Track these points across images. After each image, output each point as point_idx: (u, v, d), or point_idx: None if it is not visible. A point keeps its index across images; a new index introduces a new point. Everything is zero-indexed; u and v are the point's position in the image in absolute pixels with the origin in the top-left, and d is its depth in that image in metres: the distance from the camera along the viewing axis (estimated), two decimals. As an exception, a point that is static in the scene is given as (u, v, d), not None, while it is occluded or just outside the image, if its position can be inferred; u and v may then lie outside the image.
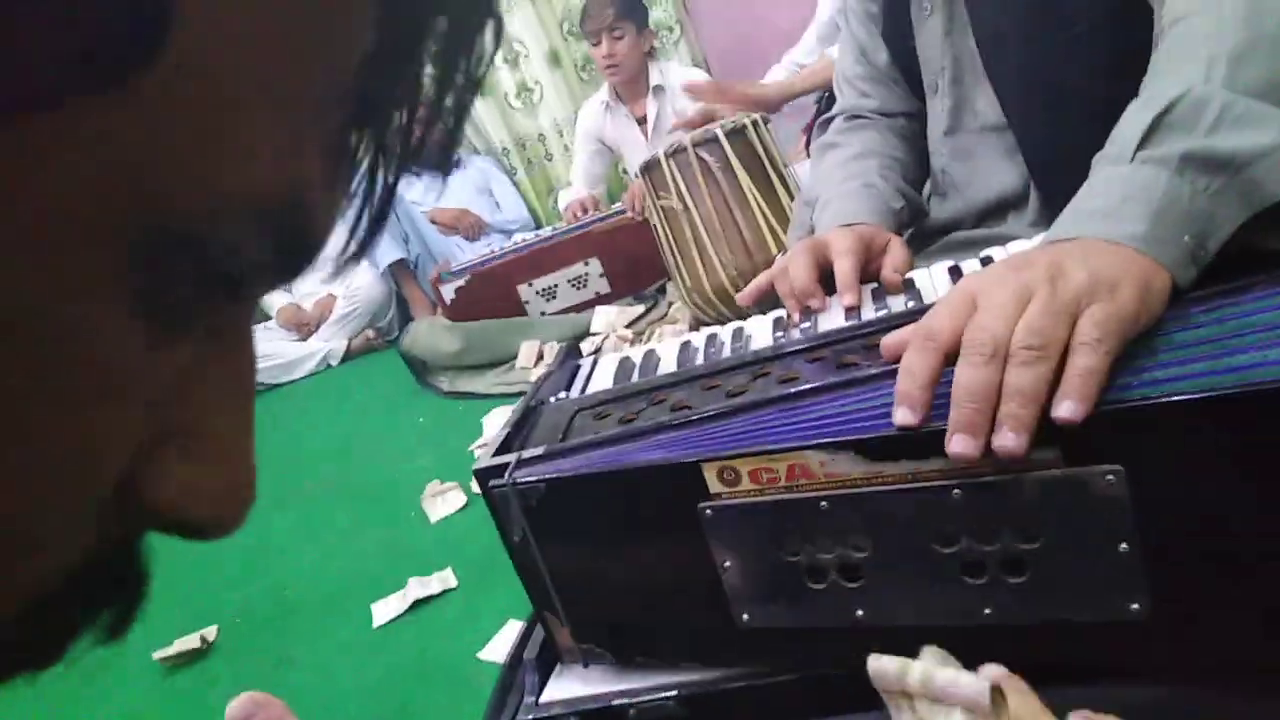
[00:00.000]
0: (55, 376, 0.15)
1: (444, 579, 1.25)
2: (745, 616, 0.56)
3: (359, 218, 0.21)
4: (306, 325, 3.17)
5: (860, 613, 0.53)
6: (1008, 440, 0.44)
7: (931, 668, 0.45)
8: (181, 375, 0.17)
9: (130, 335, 0.16)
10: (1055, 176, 0.82)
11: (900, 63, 0.99)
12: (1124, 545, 0.45)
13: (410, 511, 1.52)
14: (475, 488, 1.48)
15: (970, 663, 0.45)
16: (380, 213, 0.21)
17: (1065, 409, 0.43)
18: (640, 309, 2.17)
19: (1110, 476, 0.45)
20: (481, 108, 3.47)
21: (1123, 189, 0.54)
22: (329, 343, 3.10)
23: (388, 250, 2.93)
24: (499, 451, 0.65)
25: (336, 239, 0.20)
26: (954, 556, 0.49)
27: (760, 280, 0.82)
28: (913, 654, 0.47)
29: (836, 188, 0.95)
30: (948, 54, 0.90)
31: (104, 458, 0.16)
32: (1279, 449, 0.43)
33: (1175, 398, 0.43)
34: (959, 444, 0.45)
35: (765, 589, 0.55)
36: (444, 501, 1.51)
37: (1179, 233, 0.51)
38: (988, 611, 0.49)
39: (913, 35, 0.94)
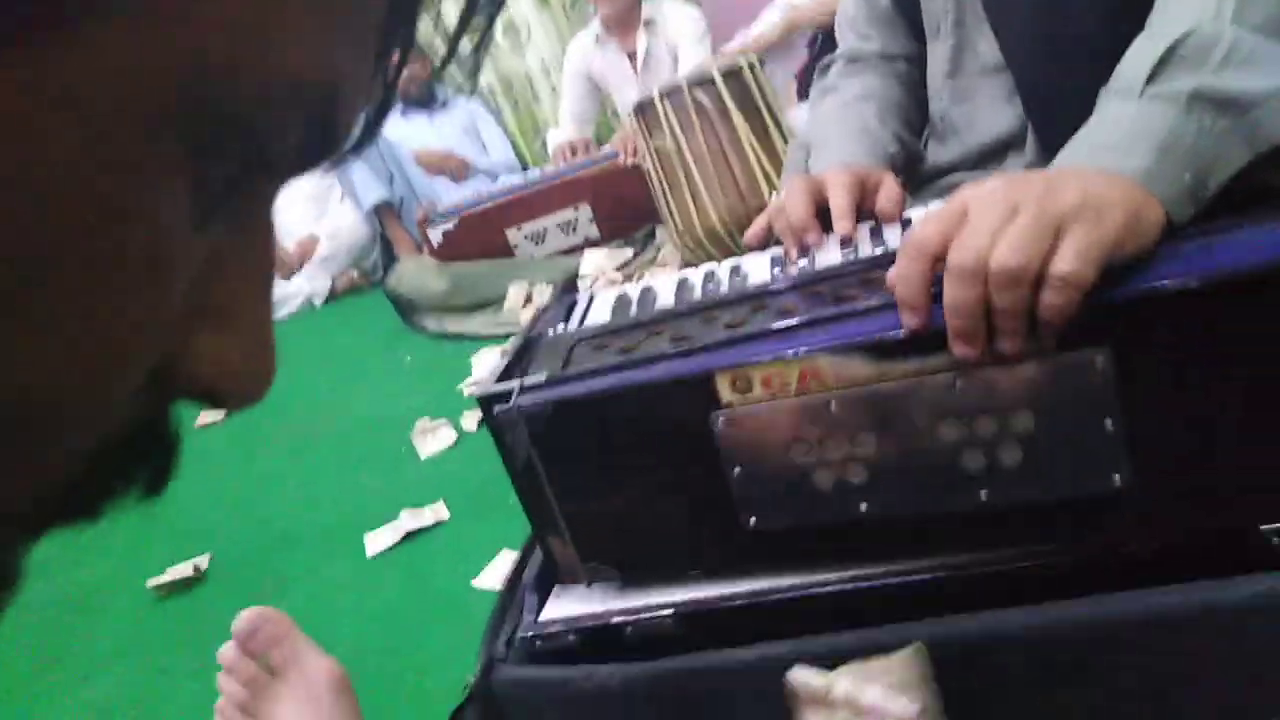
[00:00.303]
0: (117, 256, 0.16)
1: (436, 511, 1.27)
2: (753, 521, 0.58)
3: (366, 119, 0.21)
4: (288, 265, 3.14)
5: (864, 506, 0.56)
6: (1003, 345, 0.49)
7: (858, 684, 0.49)
8: (214, 254, 0.18)
9: (181, 215, 0.16)
10: (1053, 118, 0.82)
11: (902, 4, 0.99)
12: (1108, 421, 0.49)
13: (400, 448, 1.53)
14: (465, 424, 1.50)
15: (971, 548, 0.52)
16: (379, 117, 0.22)
17: (1045, 313, 0.47)
18: (630, 252, 2.17)
19: (1098, 358, 0.49)
20: (468, 47, 3.41)
21: (1130, 124, 0.55)
22: (312, 282, 3.07)
23: (371, 190, 2.89)
24: (500, 379, 0.66)
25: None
26: (954, 445, 0.53)
27: (761, 221, 0.83)
28: (910, 545, 0.53)
29: (834, 129, 0.95)
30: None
31: (152, 332, 0.17)
32: (1250, 333, 0.47)
33: (1157, 285, 0.48)
34: (959, 349, 0.49)
35: (773, 492, 0.58)
36: (434, 438, 1.52)
37: (1181, 170, 0.53)
38: (984, 495, 0.53)
39: None
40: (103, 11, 0.14)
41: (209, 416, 2.03)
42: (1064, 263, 0.47)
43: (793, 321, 0.59)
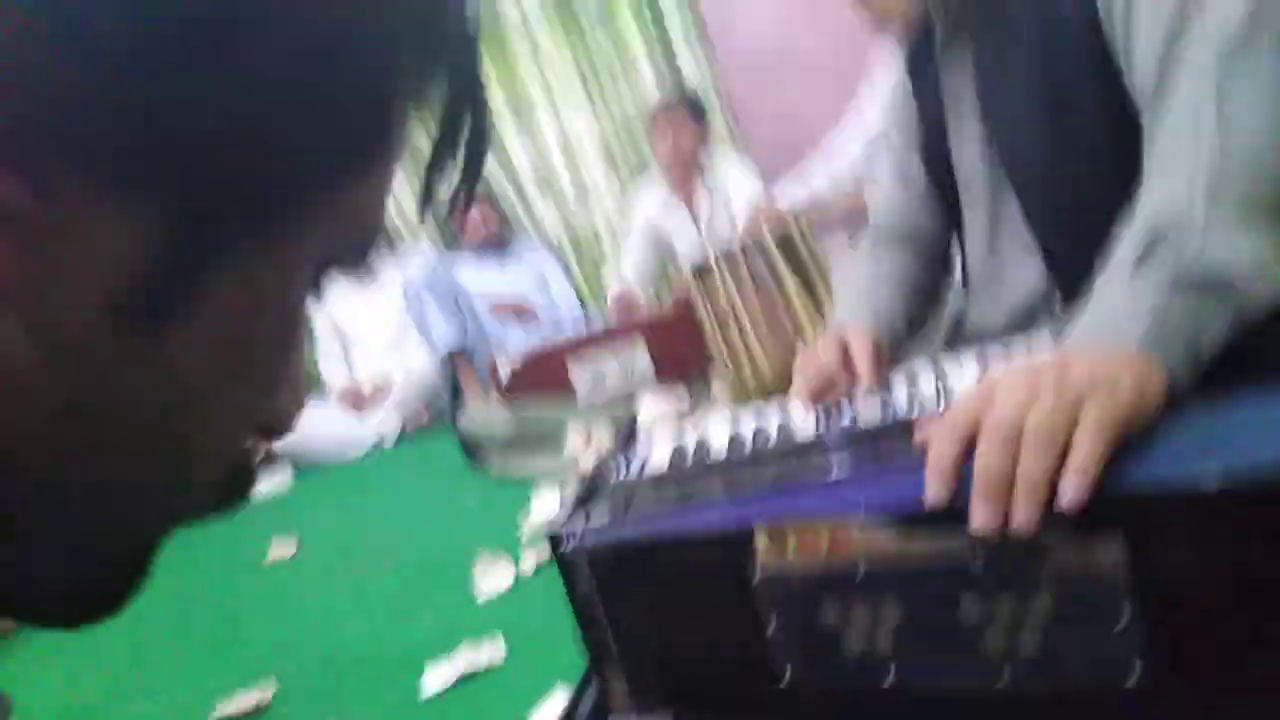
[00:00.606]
0: (294, 338, 0.27)
1: (493, 648, 1.30)
2: (789, 673, 0.62)
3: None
4: (365, 405, 3.29)
5: (891, 676, 0.59)
6: (1021, 518, 0.52)
7: None
8: None
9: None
10: (1077, 281, 0.90)
11: (935, 177, 1.09)
12: (1123, 619, 0.51)
13: (460, 585, 1.58)
14: (523, 565, 1.55)
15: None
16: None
17: (1066, 500, 0.51)
18: (685, 398, 2.25)
19: (1113, 555, 0.51)
20: (540, 204, 3.67)
21: (1124, 305, 0.62)
22: (384, 424, 3.21)
23: (445, 336, 3.06)
24: (568, 519, 0.73)
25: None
26: (975, 627, 0.55)
27: (805, 378, 0.90)
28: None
29: (852, 297, 1.06)
30: (982, 174, 1.00)
31: (282, 388, 0.28)
32: (1264, 539, 0.49)
33: (1169, 488, 0.50)
34: (980, 517, 0.53)
35: (805, 651, 0.62)
36: (493, 576, 1.57)
37: (1175, 344, 0.59)
38: (1004, 679, 0.55)
39: (949, 152, 1.05)
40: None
41: (279, 552, 2.12)
42: (1086, 428, 0.52)
43: (829, 480, 0.65)
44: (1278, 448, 0.49)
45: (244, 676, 1.43)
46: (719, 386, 2.13)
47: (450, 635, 1.38)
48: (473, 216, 3.44)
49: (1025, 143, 0.91)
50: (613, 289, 3.09)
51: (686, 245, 2.92)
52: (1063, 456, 0.52)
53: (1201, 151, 0.66)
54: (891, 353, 1.00)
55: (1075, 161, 0.86)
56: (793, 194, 2.53)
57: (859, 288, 1.09)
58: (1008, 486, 0.53)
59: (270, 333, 0.27)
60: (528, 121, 3.65)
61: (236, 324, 0.26)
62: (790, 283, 1.75)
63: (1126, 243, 0.66)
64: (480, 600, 1.51)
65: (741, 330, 1.77)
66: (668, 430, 0.90)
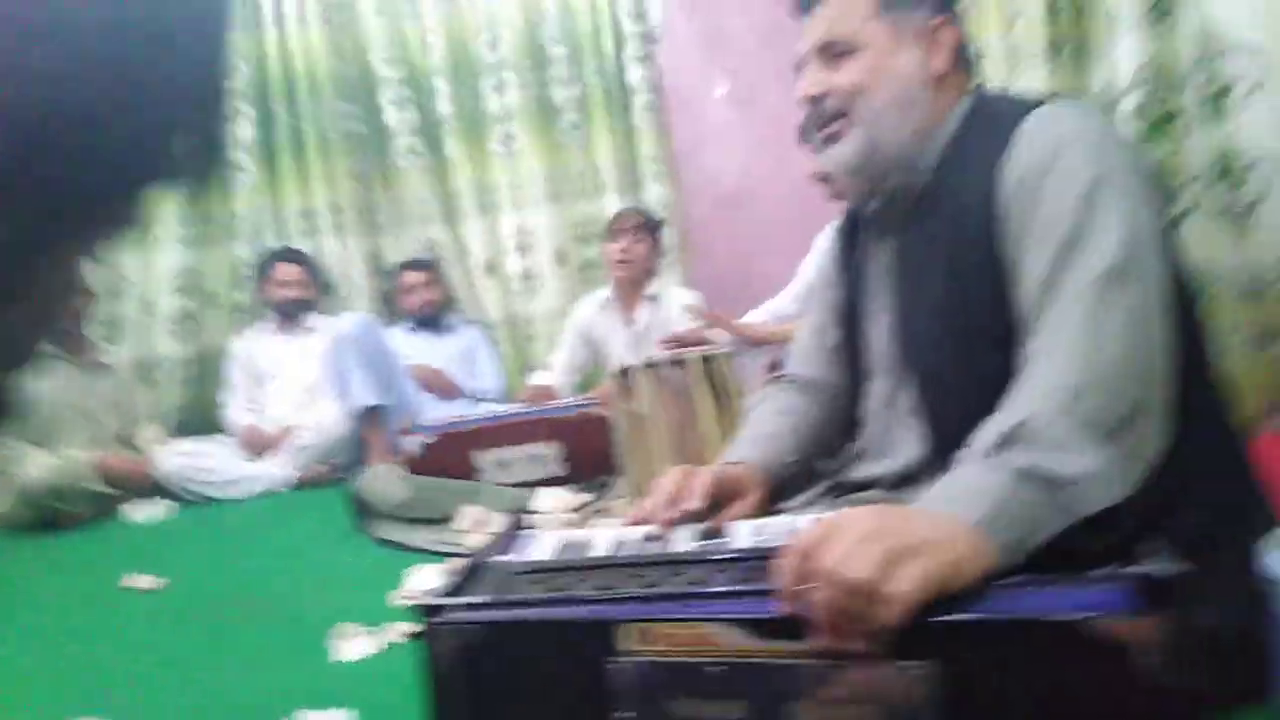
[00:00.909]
0: None
1: (336, 719, 1.27)
2: (636, 765, 0.65)
3: None
4: (262, 448, 3.21)
5: None
6: (849, 643, 0.61)
7: None
8: None
9: None
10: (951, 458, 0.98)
11: (848, 346, 1.19)
12: None
13: (319, 648, 1.55)
14: (387, 635, 1.53)
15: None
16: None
17: (884, 634, 0.60)
18: (586, 496, 2.28)
19: (921, 671, 0.60)
20: (486, 285, 3.74)
21: (974, 484, 0.70)
22: (281, 468, 3.13)
23: (363, 393, 3.03)
24: (445, 594, 0.76)
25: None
26: None
27: (648, 503, 0.97)
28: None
29: (748, 430, 1.14)
30: (892, 345, 1.09)
31: None
32: (1046, 671, 0.59)
33: (963, 619, 0.61)
34: (815, 639, 0.62)
35: None
36: (352, 644, 1.54)
37: (1008, 527, 0.67)
38: None
39: (864, 325, 1.14)
40: None
41: (144, 583, 2.03)
42: (902, 584, 0.60)
43: (694, 590, 0.70)
44: (1063, 606, 0.60)
45: (79, 706, 1.37)
46: (621, 489, 2.16)
47: (297, 698, 1.34)
48: (415, 286, 3.49)
49: (928, 333, 1.01)
50: (534, 380, 3.15)
51: (619, 351, 3.00)
52: (883, 598, 0.61)
53: (1066, 369, 0.76)
54: (775, 488, 1.08)
55: (969, 356, 0.95)
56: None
57: (755, 426, 1.17)
58: (842, 613, 0.61)
59: None
60: (489, 207, 3.75)
61: None
62: (704, 402, 1.83)
63: (988, 432, 0.75)
64: (337, 666, 1.48)
65: (649, 436, 1.83)
66: (560, 525, 0.94)
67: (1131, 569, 0.64)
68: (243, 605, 1.85)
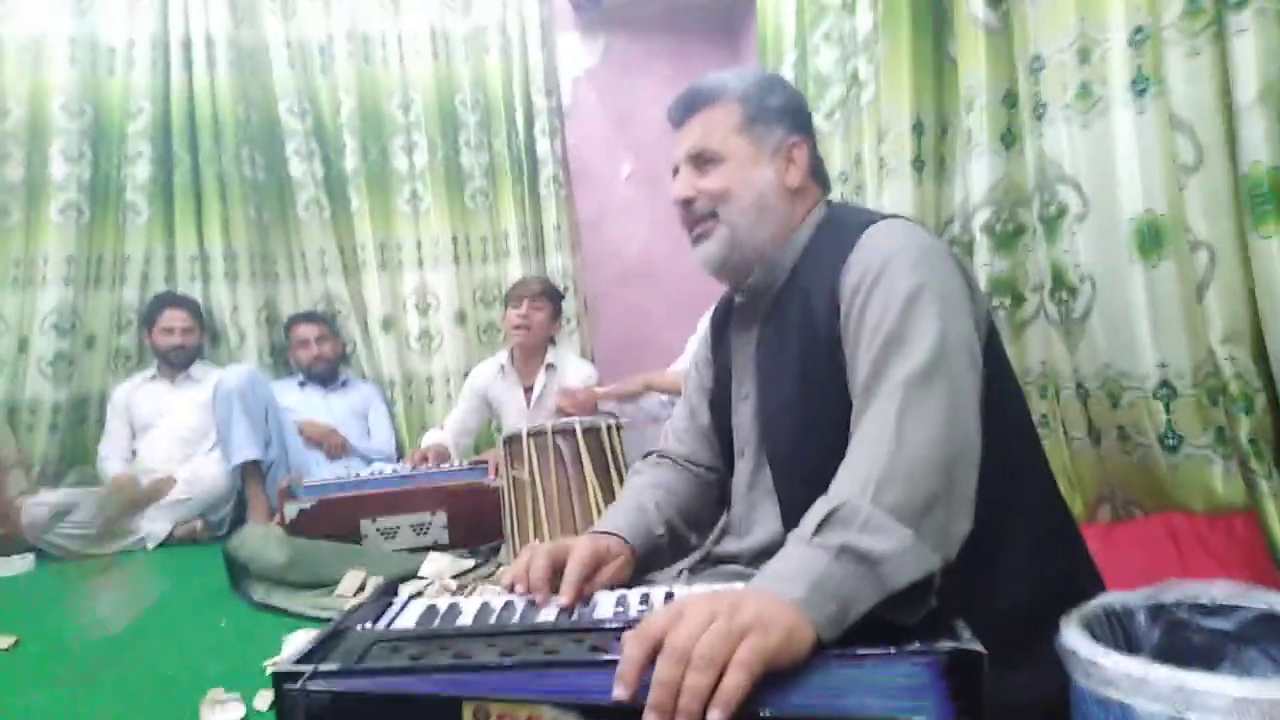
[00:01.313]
0: None
1: (197, 789, 1.25)
2: None
3: None
4: (137, 502, 3.09)
5: None
6: None
7: None
8: None
9: None
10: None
11: (719, 429, 1.27)
12: None
13: (184, 715, 1.50)
14: (257, 702, 1.50)
15: None
16: None
17: (714, 715, 0.64)
18: (470, 563, 2.28)
19: None
20: (383, 341, 3.71)
21: (799, 563, 0.78)
22: (153, 523, 3.01)
23: (245, 447, 2.96)
24: (300, 661, 0.78)
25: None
26: None
27: (511, 573, 1.01)
28: None
29: (619, 502, 1.20)
30: (754, 430, 1.18)
31: None
32: None
33: (781, 714, 0.65)
34: (650, 718, 0.65)
35: None
36: (221, 711, 1.50)
37: (828, 602, 0.74)
38: None
39: (733, 409, 1.23)
40: None
41: (-6, 641, 1.93)
42: (741, 654, 0.66)
43: (537, 659, 0.74)
44: (869, 696, 0.66)
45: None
46: (506, 555, 2.18)
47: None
48: (308, 340, 3.45)
49: (780, 419, 1.10)
50: (426, 439, 3.15)
51: (514, 417, 3.04)
52: (720, 675, 0.65)
53: (877, 458, 0.85)
54: (644, 558, 1.13)
55: (816, 440, 1.04)
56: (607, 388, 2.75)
57: (626, 499, 1.23)
58: (675, 694, 0.65)
59: None
60: (391, 266, 3.76)
61: None
62: (589, 471, 1.88)
63: (810, 517, 0.83)
64: (200, 733, 1.44)
65: (534, 503, 1.86)
66: (442, 591, 0.96)
67: (939, 645, 0.70)
68: (105, 667, 1.78)
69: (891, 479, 0.83)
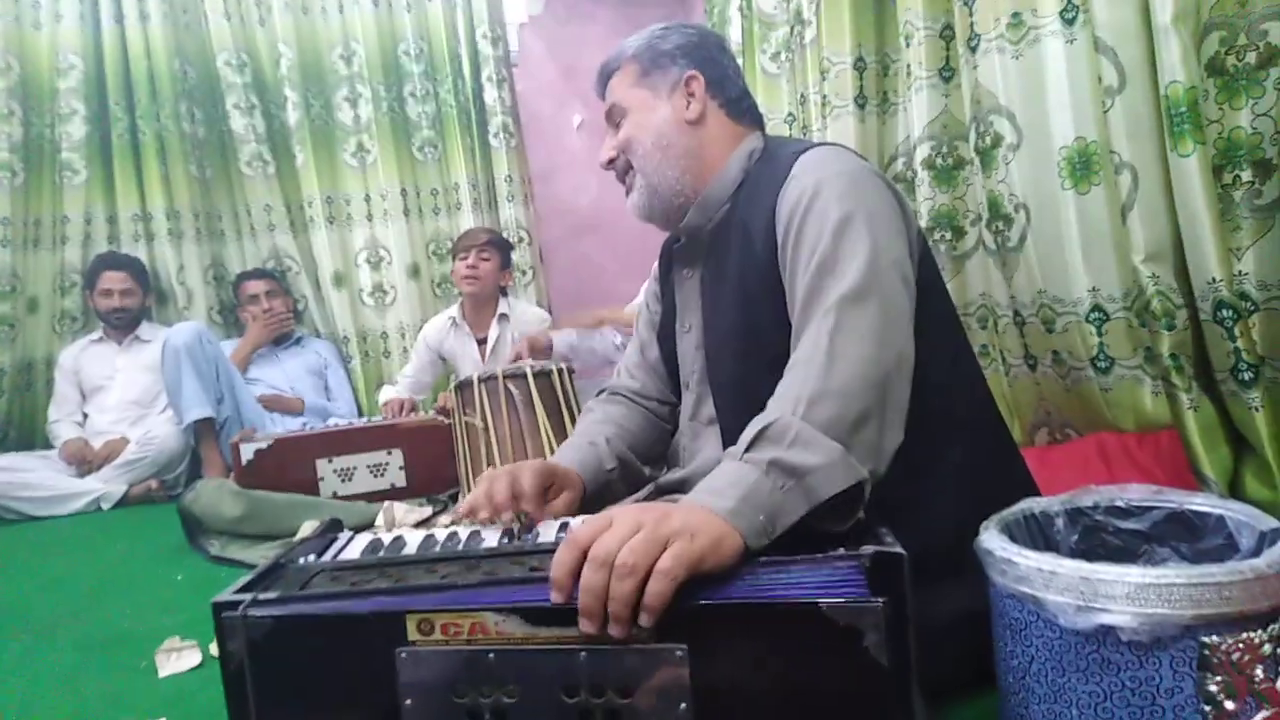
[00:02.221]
0: None
1: (154, 731, 1.26)
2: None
3: None
4: (89, 464, 3.05)
5: None
6: (612, 630, 0.68)
7: None
8: None
9: None
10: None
11: (668, 362, 1.29)
12: (683, 705, 0.67)
13: (141, 663, 1.51)
14: (213, 650, 1.51)
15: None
16: None
17: (642, 619, 0.67)
18: (429, 511, 2.29)
19: (679, 652, 0.68)
20: (335, 298, 3.67)
21: (730, 477, 0.80)
22: (107, 484, 2.98)
23: (196, 406, 2.93)
24: (240, 592, 0.79)
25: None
26: (575, 705, 0.69)
27: (469, 500, 1.04)
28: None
29: (573, 439, 1.22)
30: (696, 362, 1.21)
31: None
32: (786, 646, 0.67)
33: (714, 602, 0.68)
34: (583, 624, 0.68)
35: None
36: (177, 658, 1.51)
37: (756, 513, 0.76)
38: None
39: (677, 343, 1.25)
40: None
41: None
42: (663, 562, 0.68)
43: (481, 580, 0.76)
44: (795, 589, 0.69)
45: None
46: (461, 499, 2.20)
47: (118, 710, 1.32)
48: (257, 297, 3.40)
49: (722, 349, 1.13)
50: (384, 395, 3.14)
51: (470, 369, 3.03)
52: (645, 582, 0.68)
53: (810, 376, 0.87)
54: (596, 492, 1.16)
55: (757, 368, 1.05)
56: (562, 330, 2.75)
57: (578, 435, 1.26)
58: (603, 599, 0.68)
59: None
60: (340, 220, 3.70)
61: None
62: (541, 414, 1.89)
63: (745, 433, 0.85)
64: (161, 680, 1.45)
65: (488, 447, 1.88)
66: (381, 531, 0.98)
67: (861, 549, 0.74)
68: (62, 623, 1.77)
69: (822, 396, 0.85)
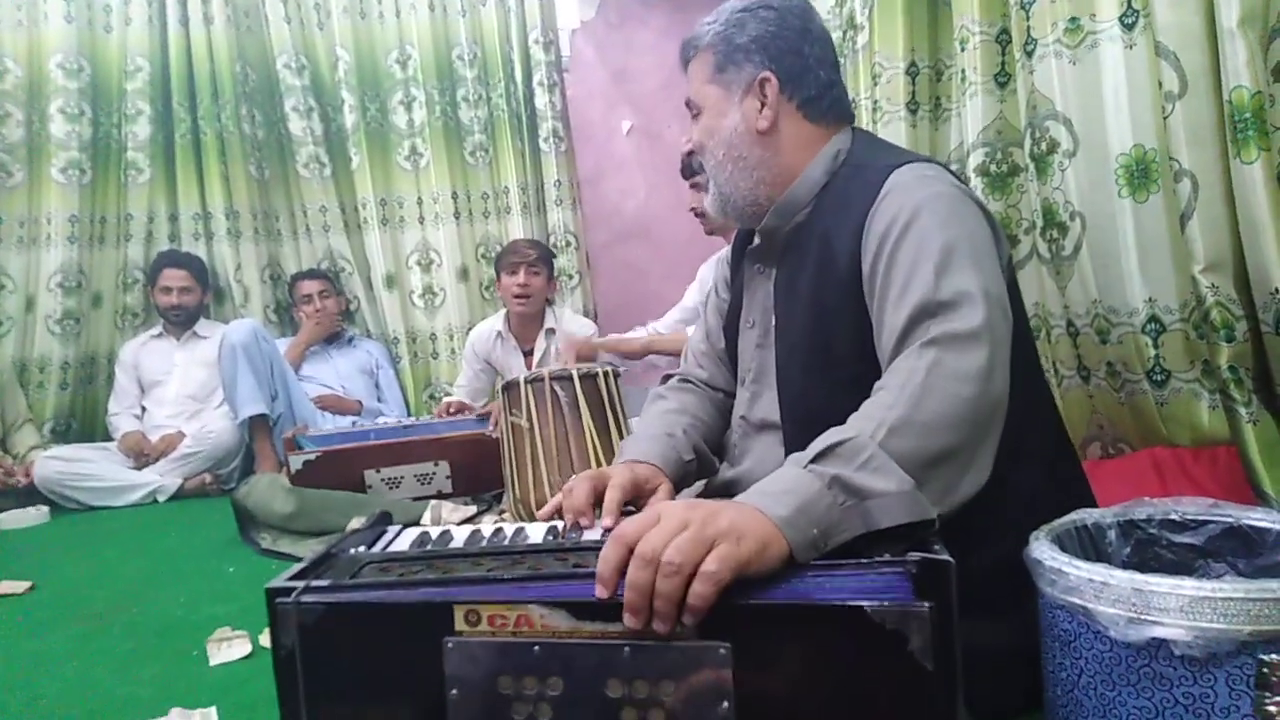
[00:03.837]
0: None
1: (206, 716, 1.29)
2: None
3: None
4: (146, 456, 3.15)
5: None
6: (657, 626, 0.68)
7: None
8: None
9: None
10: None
11: (730, 353, 1.28)
12: (724, 704, 0.67)
13: (193, 651, 1.56)
14: (263, 640, 1.55)
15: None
16: None
17: (686, 618, 0.67)
18: (473, 509, 2.32)
19: (722, 650, 0.67)
20: (386, 298, 3.74)
21: (789, 484, 0.79)
22: (163, 477, 3.07)
23: (251, 403, 3.00)
24: (293, 579, 0.81)
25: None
26: (618, 700, 0.69)
27: (553, 502, 1.04)
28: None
29: (646, 429, 1.22)
30: (755, 360, 1.19)
31: None
32: (829, 650, 0.66)
33: (760, 602, 0.68)
34: (627, 620, 0.68)
35: (480, 716, 0.72)
36: (228, 647, 1.55)
37: (811, 525, 0.75)
38: None
39: (738, 337, 1.24)
40: None
41: (9, 588, 1.99)
42: (709, 564, 0.68)
43: (524, 574, 0.77)
44: (841, 596, 0.68)
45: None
46: (507, 506, 2.22)
47: (170, 697, 1.36)
48: (311, 296, 3.48)
49: (792, 354, 1.10)
50: (446, 400, 3.18)
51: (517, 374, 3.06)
52: (690, 580, 0.67)
53: (898, 403, 0.84)
54: (676, 479, 1.14)
55: (826, 382, 1.04)
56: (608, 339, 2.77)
57: (651, 425, 1.23)
58: (648, 596, 0.68)
59: None
60: (393, 222, 3.77)
61: None
62: (587, 417, 1.90)
63: (816, 443, 0.83)
64: (212, 669, 1.49)
65: (533, 449, 1.89)
66: (428, 526, 0.99)
67: (909, 556, 0.72)
68: (117, 610, 1.83)
69: (905, 426, 0.82)
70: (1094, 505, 1.09)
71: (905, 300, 0.92)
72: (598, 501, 1.01)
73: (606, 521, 0.96)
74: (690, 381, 1.33)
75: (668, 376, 1.38)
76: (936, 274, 0.91)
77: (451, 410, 2.96)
